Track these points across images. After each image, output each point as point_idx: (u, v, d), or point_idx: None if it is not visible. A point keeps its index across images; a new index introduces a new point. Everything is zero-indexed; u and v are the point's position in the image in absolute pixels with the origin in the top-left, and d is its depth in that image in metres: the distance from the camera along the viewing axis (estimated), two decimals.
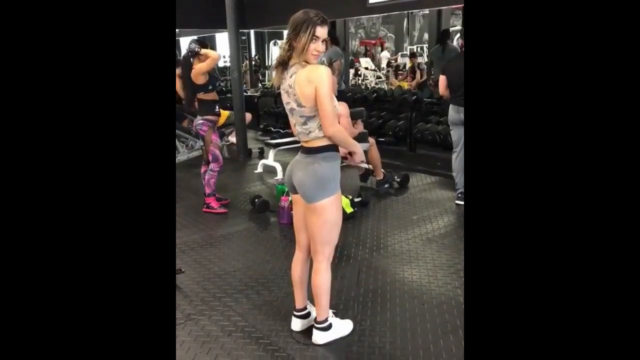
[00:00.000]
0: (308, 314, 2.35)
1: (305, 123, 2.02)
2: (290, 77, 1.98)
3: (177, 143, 5.94)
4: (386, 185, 4.70)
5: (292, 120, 2.08)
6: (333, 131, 1.98)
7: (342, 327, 2.31)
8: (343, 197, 3.67)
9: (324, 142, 2.04)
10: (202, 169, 4.28)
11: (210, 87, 4.05)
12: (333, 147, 2.06)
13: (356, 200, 4.20)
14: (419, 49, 14.83)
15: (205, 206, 4.20)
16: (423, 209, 4.19)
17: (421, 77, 9.63)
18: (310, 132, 2.03)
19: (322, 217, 2.08)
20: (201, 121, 4.11)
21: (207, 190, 4.16)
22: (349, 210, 3.90)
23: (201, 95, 4.06)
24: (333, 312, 2.35)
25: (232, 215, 4.13)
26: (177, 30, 9.86)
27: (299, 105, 1.98)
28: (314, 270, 2.18)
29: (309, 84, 1.93)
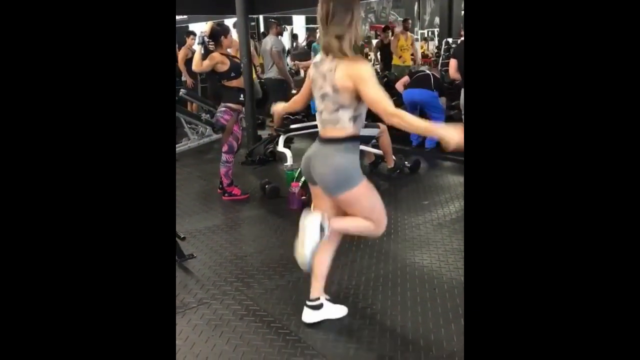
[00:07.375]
0: (320, 306, 2.26)
1: (336, 110, 1.93)
2: (332, 60, 1.91)
3: (187, 129, 5.94)
4: (397, 171, 4.68)
5: (321, 106, 1.99)
6: (393, 112, 1.82)
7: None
8: None
9: (349, 133, 1.96)
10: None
11: (233, 74, 3.96)
12: (356, 138, 2.00)
13: None
14: (430, 33, 14.66)
15: (227, 194, 4.17)
16: (434, 194, 4.17)
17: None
18: (338, 121, 1.94)
19: (357, 206, 2.03)
20: (223, 109, 4.02)
21: (226, 181, 4.13)
22: None
23: (225, 82, 4.00)
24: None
25: (242, 202, 4.16)
26: (186, 16, 9.83)
27: (336, 90, 1.90)
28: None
29: (348, 78, 1.86)
